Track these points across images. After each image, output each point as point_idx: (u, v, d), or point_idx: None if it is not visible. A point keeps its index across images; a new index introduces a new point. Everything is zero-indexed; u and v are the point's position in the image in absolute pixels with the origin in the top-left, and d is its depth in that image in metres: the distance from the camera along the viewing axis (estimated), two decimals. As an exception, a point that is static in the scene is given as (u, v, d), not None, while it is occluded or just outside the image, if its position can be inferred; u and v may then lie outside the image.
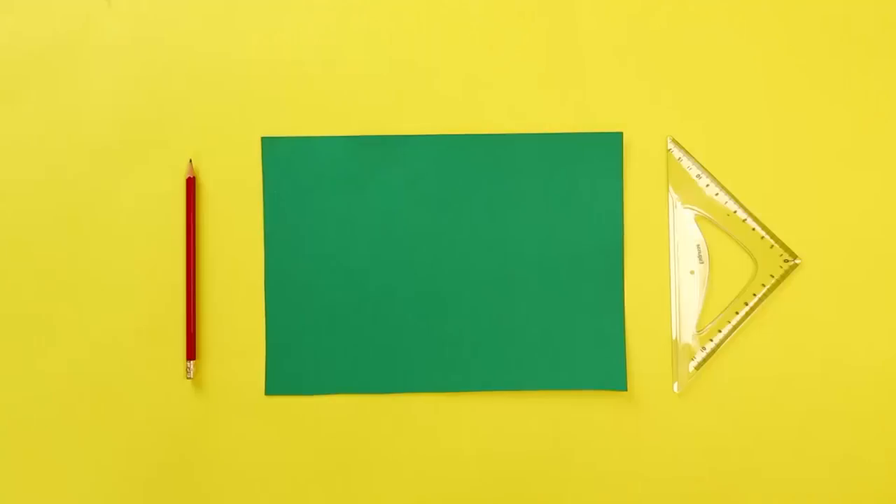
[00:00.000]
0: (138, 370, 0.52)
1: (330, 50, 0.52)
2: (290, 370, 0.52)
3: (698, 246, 0.53)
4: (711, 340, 0.52)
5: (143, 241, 0.52)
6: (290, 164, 0.52)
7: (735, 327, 0.52)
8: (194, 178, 0.51)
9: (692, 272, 0.53)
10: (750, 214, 0.52)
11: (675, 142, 0.52)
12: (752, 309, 0.52)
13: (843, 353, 0.52)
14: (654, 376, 0.52)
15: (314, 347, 0.52)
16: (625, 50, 0.52)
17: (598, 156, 0.52)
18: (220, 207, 0.52)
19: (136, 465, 0.52)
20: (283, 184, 0.52)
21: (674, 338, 0.52)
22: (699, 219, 0.53)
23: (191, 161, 0.52)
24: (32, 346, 0.52)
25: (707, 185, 0.53)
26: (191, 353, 0.51)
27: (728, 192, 0.52)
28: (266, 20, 0.52)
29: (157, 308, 0.52)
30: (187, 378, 0.51)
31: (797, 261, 0.52)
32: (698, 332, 0.52)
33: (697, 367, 0.52)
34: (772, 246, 0.52)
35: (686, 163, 0.53)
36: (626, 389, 0.52)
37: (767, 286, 0.52)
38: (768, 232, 0.52)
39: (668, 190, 0.53)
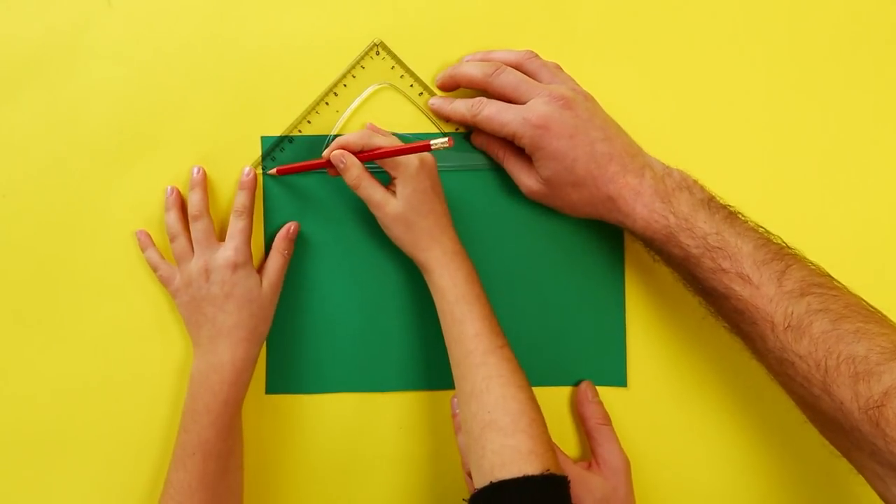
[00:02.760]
0: (138, 369, 0.52)
1: (329, 48, 0.52)
2: (289, 370, 0.52)
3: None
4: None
5: (143, 241, 0.52)
6: (289, 163, 0.52)
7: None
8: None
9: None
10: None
11: None
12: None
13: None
14: (653, 373, 0.52)
15: (314, 347, 0.52)
16: (624, 48, 0.53)
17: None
18: (220, 207, 0.52)
19: (137, 465, 0.52)
20: (282, 183, 0.52)
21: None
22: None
23: None
24: (31, 345, 0.52)
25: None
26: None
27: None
28: (266, 20, 0.52)
29: (158, 307, 0.52)
30: None
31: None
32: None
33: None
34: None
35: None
36: (626, 386, 0.52)
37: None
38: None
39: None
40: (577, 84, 0.50)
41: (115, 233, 0.52)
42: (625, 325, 0.52)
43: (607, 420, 0.51)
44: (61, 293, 0.52)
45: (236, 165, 0.52)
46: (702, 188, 0.47)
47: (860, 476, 0.40)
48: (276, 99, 0.52)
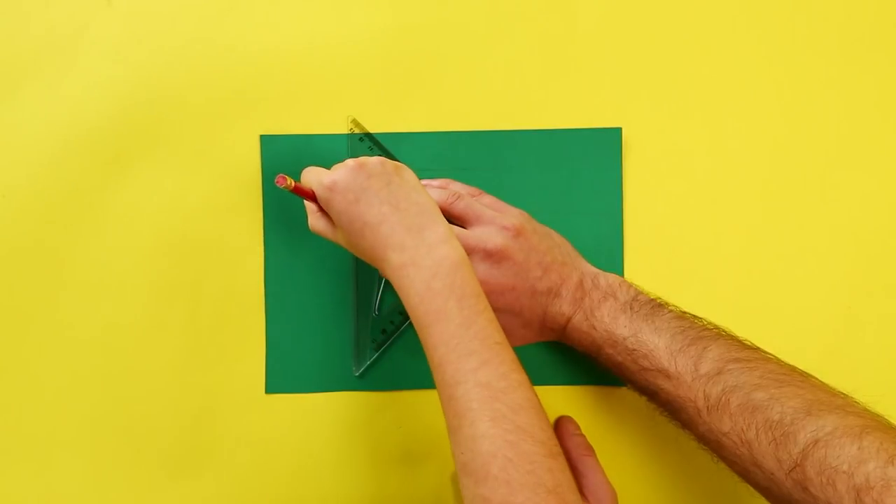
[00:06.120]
0: (137, 369, 0.52)
1: (328, 47, 0.52)
2: (289, 369, 0.52)
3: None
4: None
5: (143, 240, 0.52)
6: (289, 161, 0.52)
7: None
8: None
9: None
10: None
11: None
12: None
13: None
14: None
15: (314, 347, 0.52)
16: (624, 46, 0.53)
17: (598, 151, 0.53)
18: (219, 206, 0.52)
19: (136, 464, 0.52)
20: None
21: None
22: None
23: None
24: (30, 345, 0.52)
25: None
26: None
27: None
28: (264, 19, 0.52)
29: (157, 307, 0.52)
30: None
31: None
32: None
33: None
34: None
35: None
36: (624, 385, 0.52)
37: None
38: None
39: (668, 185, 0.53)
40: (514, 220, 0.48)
41: (115, 233, 0.52)
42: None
43: (590, 451, 0.50)
44: (61, 293, 0.52)
45: (236, 165, 0.52)
46: (628, 288, 0.48)
47: None
48: (276, 99, 0.52)
